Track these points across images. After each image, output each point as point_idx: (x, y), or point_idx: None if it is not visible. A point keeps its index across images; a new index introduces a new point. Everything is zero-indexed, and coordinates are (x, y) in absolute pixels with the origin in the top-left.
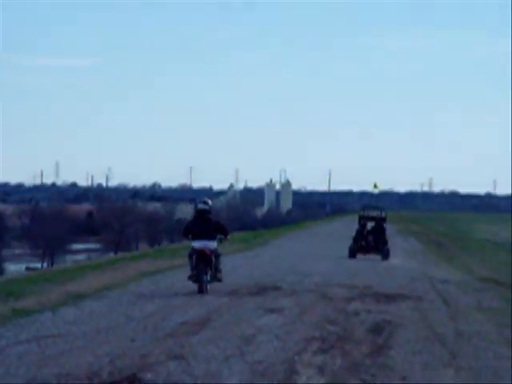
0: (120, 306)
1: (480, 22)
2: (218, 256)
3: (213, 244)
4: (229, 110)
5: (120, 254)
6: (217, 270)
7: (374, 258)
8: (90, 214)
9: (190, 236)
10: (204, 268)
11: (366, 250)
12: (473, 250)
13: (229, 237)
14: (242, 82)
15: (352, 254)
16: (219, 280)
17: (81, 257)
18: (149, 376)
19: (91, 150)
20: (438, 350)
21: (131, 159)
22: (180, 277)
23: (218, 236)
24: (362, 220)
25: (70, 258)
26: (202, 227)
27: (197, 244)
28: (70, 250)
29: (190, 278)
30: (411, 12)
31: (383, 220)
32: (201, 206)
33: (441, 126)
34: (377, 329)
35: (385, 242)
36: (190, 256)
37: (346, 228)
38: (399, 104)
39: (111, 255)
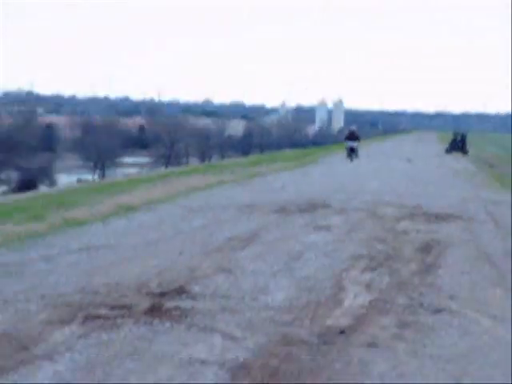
0: (169, 220)
1: None
2: (357, 148)
3: (355, 143)
4: (284, 27)
5: (170, 169)
6: (356, 154)
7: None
8: (141, 128)
9: (347, 140)
10: (351, 153)
11: (456, 150)
12: None
13: (360, 141)
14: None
15: (448, 152)
16: (357, 157)
17: (131, 170)
18: (196, 288)
19: (144, 65)
20: (487, 270)
21: (184, 74)
22: (229, 193)
23: (357, 141)
24: (454, 135)
25: (120, 171)
26: (351, 136)
27: (349, 143)
28: (121, 163)
29: (347, 156)
30: None
31: (465, 136)
32: (352, 128)
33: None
34: (426, 248)
35: (466, 146)
36: (347, 148)
37: (397, 148)
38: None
39: (161, 169)
